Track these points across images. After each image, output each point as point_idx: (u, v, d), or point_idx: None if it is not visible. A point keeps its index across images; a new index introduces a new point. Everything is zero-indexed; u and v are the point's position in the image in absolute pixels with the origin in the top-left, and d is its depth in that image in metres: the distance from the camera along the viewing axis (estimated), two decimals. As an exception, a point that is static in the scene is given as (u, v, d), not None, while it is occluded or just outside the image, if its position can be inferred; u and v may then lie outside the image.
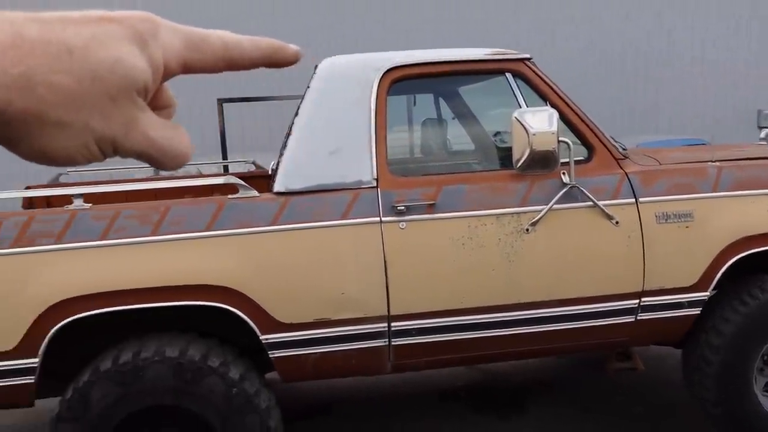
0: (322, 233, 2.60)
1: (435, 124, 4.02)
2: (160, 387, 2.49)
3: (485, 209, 2.70)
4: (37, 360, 2.44)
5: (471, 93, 3.83)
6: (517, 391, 4.11)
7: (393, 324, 2.68)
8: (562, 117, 2.82)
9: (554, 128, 2.58)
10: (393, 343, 2.71)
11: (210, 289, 2.52)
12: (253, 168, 4.58)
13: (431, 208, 2.68)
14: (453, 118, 3.94)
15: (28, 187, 4.00)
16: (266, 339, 2.59)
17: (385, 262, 2.63)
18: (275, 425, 2.63)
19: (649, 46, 10.48)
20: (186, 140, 0.48)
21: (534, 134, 2.56)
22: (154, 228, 2.50)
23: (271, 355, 2.62)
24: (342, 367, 2.72)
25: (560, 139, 2.60)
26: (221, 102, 5.86)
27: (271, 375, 2.84)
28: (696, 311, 2.88)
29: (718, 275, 2.84)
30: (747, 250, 2.84)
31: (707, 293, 2.86)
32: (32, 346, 2.42)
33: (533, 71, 2.91)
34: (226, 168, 5.66)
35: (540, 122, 2.58)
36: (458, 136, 4.09)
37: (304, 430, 3.67)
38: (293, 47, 0.50)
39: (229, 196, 2.61)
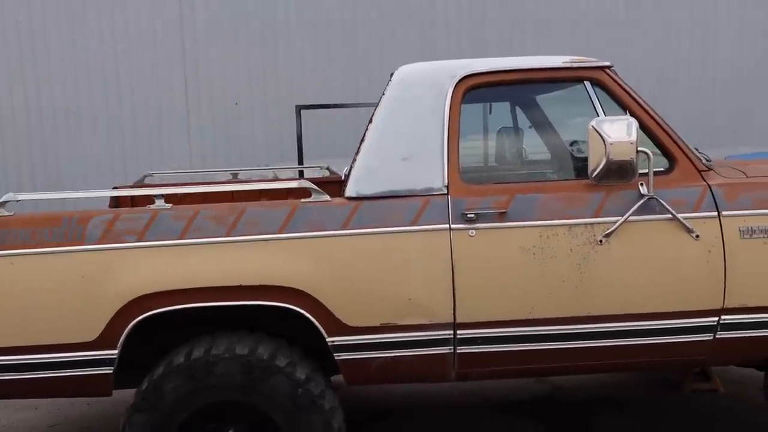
0: (392, 239, 2.61)
1: (510, 133, 3.97)
2: (229, 383, 2.56)
3: (557, 219, 2.65)
4: (116, 352, 2.55)
5: (549, 101, 3.76)
6: (585, 407, 3.99)
7: (458, 332, 2.66)
8: (643, 126, 2.74)
9: (633, 138, 2.50)
10: (458, 351, 2.69)
11: (280, 290, 2.58)
12: (327, 173, 4.65)
13: (502, 216, 2.65)
14: (529, 127, 3.88)
15: (115, 188, 4.22)
16: (332, 341, 2.62)
17: (452, 269, 2.62)
18: (338, 426, 2.66)
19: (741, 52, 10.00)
20: None
21: (611, 143, 2.50)
22: (229, 229, 2.58)
23: (336, 357, 2.65)
24: (406, 373, 2.72)
25: (639, 149, 2.52)
26: (299, 108, 5.99)
27: (337, 378, 2.86)
28: (783, 332, 2.72)
29: None
30: None
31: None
32: (112, 338, 2.54)
33: (613, 79, 2.83)
34: (301, 173, 5.78)
35: (618, 131, 2.51)
36: (534, 146, 4.02)
37: (369, 434, 3.68)
38: None
39: (302, 200, 2.67)
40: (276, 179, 5.24)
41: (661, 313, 2.67)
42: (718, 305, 2.67)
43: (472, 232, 2.63)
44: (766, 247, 2.65)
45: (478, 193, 2.70)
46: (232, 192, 3.66)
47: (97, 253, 2.54)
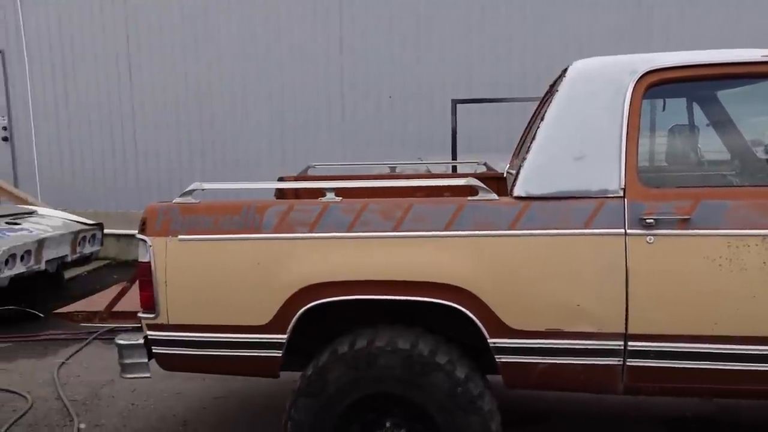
0: (562, 241, 2.51)
1: (687, 131, 3.69)
2: (390, 376, 2.59)
3: (750, 228, 2.42)
4: (285, 336, 2.67)
5: (731, 97, 3.46)
6: (751, 430, 3.64)
7: (630, 343, 2.51)
8: None
9: (844, 142, 2.22)
10: (628, 364, 2.54)
11: (444, 288, 2.56)
12: (484, 169, 4.59)
13: (685, 223, 2.46)
14: (707, 125, 3.59)
15: (280, 178, 4.43)
16: (494, 343, 2.57)
17: (627, 277, 2.47)
18: (496, 428, 2.61)
19: None
20: None
21: (819, 147, 2.23)
22: (396, 224, 2.60)
23: (497, 360, 2.60)
24: (569, 381, 2.61)
25: None
26: (455, 103, 5.96)
27: (491, 377, 2.81)
28: None
29: None
30: None
31: None
32: (283, 323, 2.66)
33: (819, 74, 2.53)
34: (455, 168, 5.75)
35: (827, 134, 2.24)
36: (711, 146, 3.72)
37: (520, 438, 3.60)
38: None
39: (469, 197, 2.63)
40: (430, 174, 5.26)
41: None
42: None
43: (650, 239, 2.47)
44: None
45: (659, 197, 2.52)
46: (389, 188, 3.71)
47: (272, 242, 2.66)
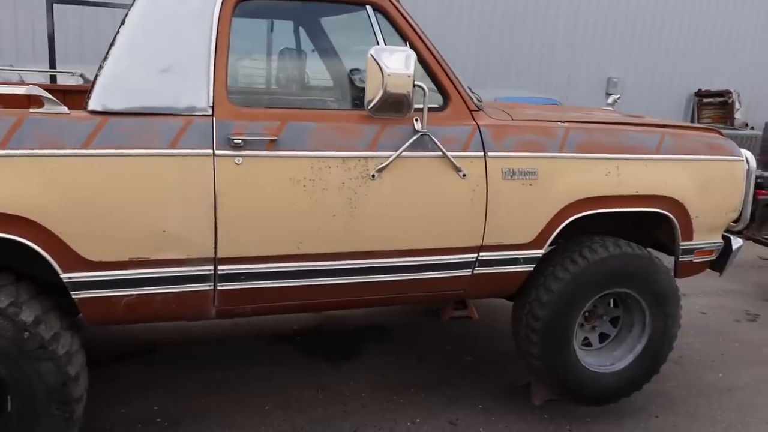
0: (144, 162, 2.28)
1: (291, 55, 3.72)
2: None
3: (331, 150, 2.51)
4: None
5: (333, 25, 3.58)
6: (353, 336, 4.06)
7: (220, 267, 2.45)
8: (421, 61, 2.67)
9: (411, 71, 2.40)
10: (219, 288, 2.49)
11: (1, 218, 2.14)
12: (81, 81, 4.05)
13: (272, 144, 2.44)
14: (312, 51, 3.67)
15: None
16: (69, 278, 2.26)
17: (215, 199, 2.37)
18: (76, 372, 2.33)
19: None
20: None
21: (389, 75, 2.37)
22: (-71, 139, 2.06)
23: (74, 296, 2.30)
24: (159, 312, 2.46)
25: (416, 83, 2.44)
26: (51, 2, 5.12)
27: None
28: (530, 268, 2.92)
29: (554, 234, 2.88)
30: (582, 212, 2.89)
31: (542, 251, 2.91)
32: None
33: (395, 7, 2.70)
34: (54, 78, 5.02)
35: (396, 63, 2.39)
36: (316, 71, 3.83)
37: (123, 373, 3.37)
38: None
39: (32, 110, 2.21)
40: (21, 83, 4.49)
41: (426, 249, 2.70)
42: (477, 243, 2.76)
43: (238, 160, 2.39)
44: (524, 188, 2.77)
45: (248, 116, 2.44)
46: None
47: None
